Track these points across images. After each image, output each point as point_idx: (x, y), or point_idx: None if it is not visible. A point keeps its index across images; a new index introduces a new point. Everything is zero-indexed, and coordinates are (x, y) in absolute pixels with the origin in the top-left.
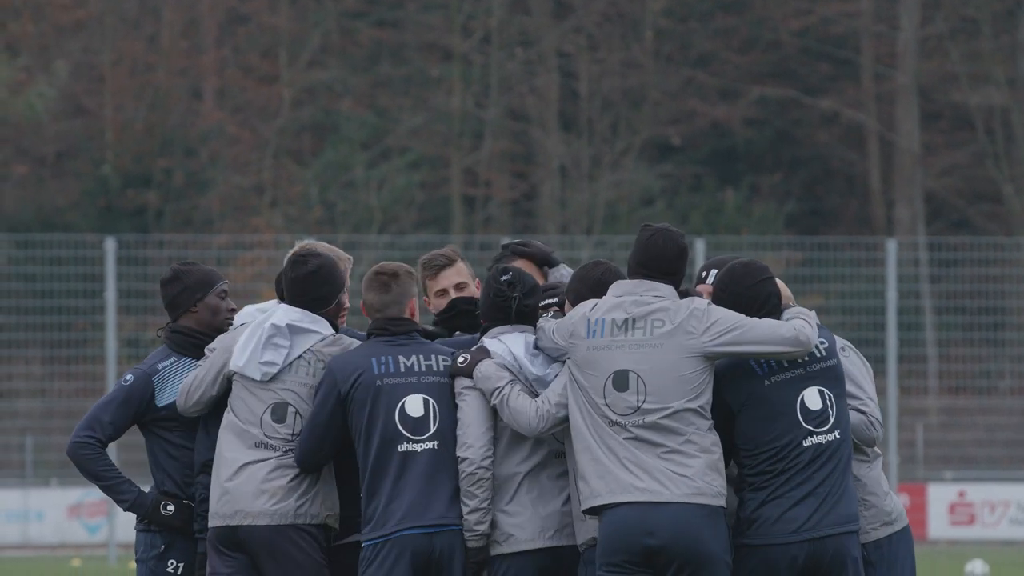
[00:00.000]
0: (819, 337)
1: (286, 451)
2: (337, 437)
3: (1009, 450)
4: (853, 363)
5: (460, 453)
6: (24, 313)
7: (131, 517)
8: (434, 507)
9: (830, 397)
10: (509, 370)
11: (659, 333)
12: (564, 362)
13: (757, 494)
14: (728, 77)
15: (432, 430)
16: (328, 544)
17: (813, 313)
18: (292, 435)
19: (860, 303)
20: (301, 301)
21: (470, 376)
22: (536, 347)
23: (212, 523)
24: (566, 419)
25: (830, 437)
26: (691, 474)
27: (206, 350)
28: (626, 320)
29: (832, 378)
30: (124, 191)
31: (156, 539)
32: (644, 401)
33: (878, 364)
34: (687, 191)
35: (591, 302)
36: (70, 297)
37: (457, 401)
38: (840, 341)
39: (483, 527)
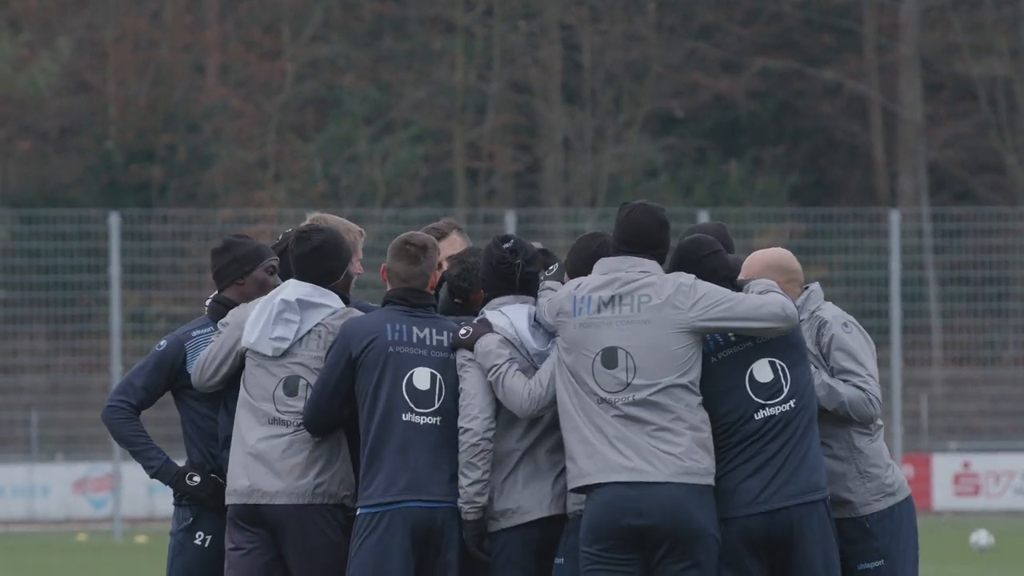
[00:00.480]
0: None
1: (299, 426)
2: (345, 400)
3: (1013, 420)
4: (855, 339)
5: (464, 424)
6: (29, 289)
7: (137, 492)
8: (438, 482)
9: (782, 367)
10: (512, 344)
11: (646, 308)
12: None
13: None
14: (731, 49)
15: (436, 406)
16: (344, 520)
17: (775, 284)
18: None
19: (864, 274)
20: (309, 276)
21: (471, 349)
22: (536, 320)
23: (230, 500)
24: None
25: (784, 408)
26: (679, 452)
27: (219, 324)
28: (613, 296)
29: (786, 347)
30: (128, 167)
31: (185, 512)
32: (634, 377)
33: (882, 335)
34: (690, 164)
35: (577, 280)
36: (74, 272)
37: (460, 372)
38: (843, 316)
39: (483, 499)
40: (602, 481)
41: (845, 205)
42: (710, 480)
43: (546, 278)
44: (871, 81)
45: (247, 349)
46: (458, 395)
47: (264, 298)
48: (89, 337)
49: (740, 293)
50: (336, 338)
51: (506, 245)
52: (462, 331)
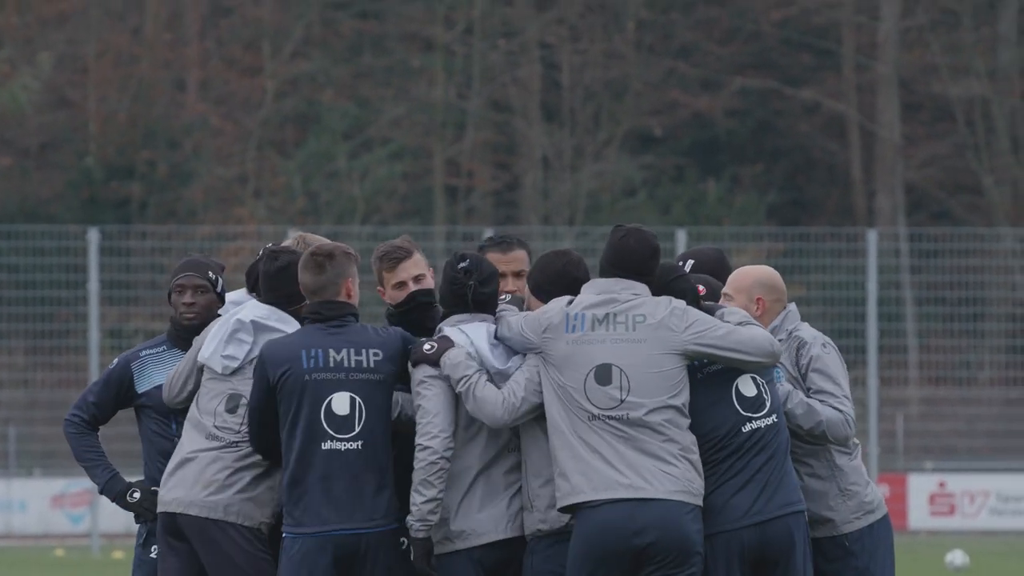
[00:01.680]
0: None
1: (232, 442)
2: (275, 422)
3: (989, 440)
4: (832, 360)
5: (423, 442)
6: (7, 304)
7: (114, 508)
8: (361, 508)
9: (763, 383)
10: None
11: (641, 328)
12: (525, 355)
13: None
14: (710, 68)
15: (357, 430)
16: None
17: (748, 315)
18: (240, 426)
19: (841, 294)
20: (271, 296)
21: (436, 364)
22: (496, 337)
23: (159, 508)
24: (531, 412)
25: (768, 421)
26: (675, 472)
27: (195, 341)
28: (607, 315)
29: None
30: (107, 182)
31: (141, 528)
32: (628, 395)
33: (859, 354)
34: (669, 182)
35: (567, 297)
36: (53, 288)
37: (418, 389)
38: (821, 336)
39: (435, 518)
40: (597, 499)
41: (823, 224)
42: (700, 502)
43: (506, 301)
44: (849, 100)
45: (203, 365)
46: (379, 415)
47: (224, 316)
48: (67, 353)
49: (728, 323)
50: (255, 363)
51: (461, 264)
52: (426, 346)
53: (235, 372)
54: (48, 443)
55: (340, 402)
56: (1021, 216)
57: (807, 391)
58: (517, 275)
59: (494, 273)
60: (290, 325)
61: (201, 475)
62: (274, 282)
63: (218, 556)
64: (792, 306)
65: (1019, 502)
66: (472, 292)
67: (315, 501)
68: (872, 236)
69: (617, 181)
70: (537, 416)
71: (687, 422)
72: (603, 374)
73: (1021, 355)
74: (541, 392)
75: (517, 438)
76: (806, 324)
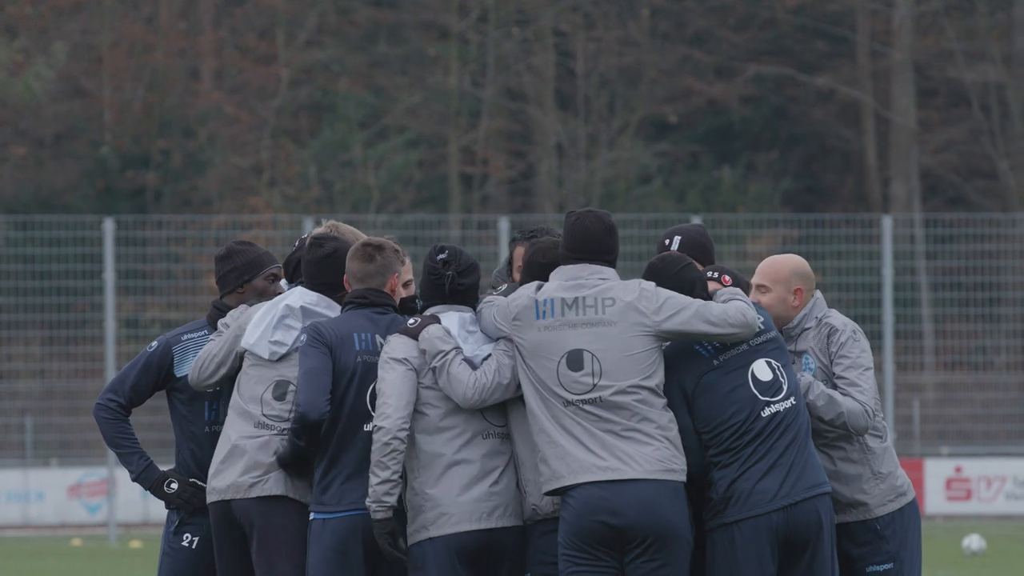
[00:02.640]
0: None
1: (282, 430)
2: (330, 381)
3: (1005, 425)
4: (861, 349)
5: (377, 422)
6: (23, 294)
7: (131, 497)
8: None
9: (778, 367)
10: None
11: (611, 311)
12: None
13: (726, 471)
14: (724, 55)
15: None
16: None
17: (741, 292)
18: (288, 412)
19: (856, 280)
20: (316, 284)
21: (416, 337)
22: (472, 327)
23: (209, 498)
24: (501, 396)
25: (787, 404)
26: (651, 452)
27: (220, 325)
28: (576, 299)
29: (775, 349)
30: (123, 172)
31: (173, 514)
32: (600, 379)
33: (874, 340)
34: (684, 169)
35: (535, 284)
36: (69, 278)
37: (380, 371)
38: (851, 324)
39: (391, 499)
40: (575, 483)
41: (838, 210)
42: (683, 478)
43: (498, 292)
44: (864, 87)
45: (245, 351)
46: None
47: (270, 301)
48: (83, 343)
49: (699, 300)
50: (308, 335)
51: (440, 256)
52: (410, 321)
53: (282, 358)
54: (65, 433)
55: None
56: None
57: (834, 376)
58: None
59: (474, 265)
60: (337, 312)
61: (254, 461)
62: (319, 268)
63: (272, 529)
64: (818, 293)
65: None
66: (450, 282)
67: (351, 481)
68: (887, 222)
69: (632, 168)
70: (521, 402)
71: (663, 402)
72: (575, 360)
73: None
74: (511, 376)
75: (495, 424)
76: (835, 311)
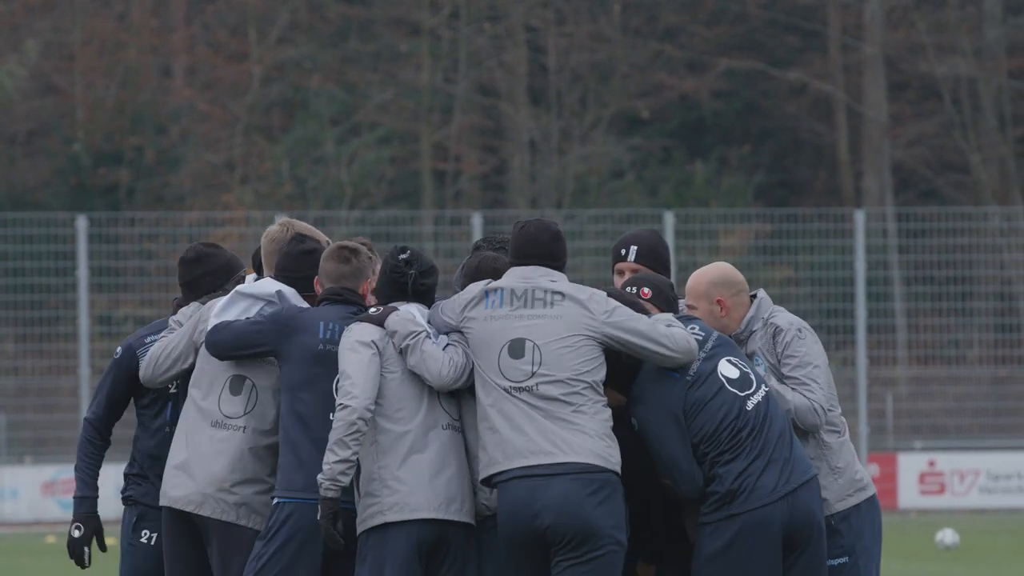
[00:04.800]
0: (688, 324)
1: (240, 427)
2: (250, 344)
3: (978, 419)
4: (807, 346)
5: (343, 400)
6: None
7: (106, 495)
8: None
9: (739, 362)
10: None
11: (559, 307)
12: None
13: (731, 466)
14: (696, 49)
15: None
16: None
17: (671, 317)
18: (246, 407)
19: (829, 274)
20: (289, 276)
21: (382, 324)
22: (429, 321)
23: (164, 502)
24: (467, 381)
25: (762, 392)
26: (586, 440)
27: (171, 323)
28: (526, 291)
29: (729, 348)
30: (95, 169)
31: (130, 510)
32: (539, 368)
33: (847, 335)
34: (656, 164)
35: (486, 280)
36: (42, 275)
37: (344, 354)
38: (797, 322)
39: (345, 480)
40: (508, 468)
41: (810, 205)
42: (618, 469)
43: None
44: (836, 81)
45: (201, 344)
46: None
47: (235, 290)
48: (57, 340)
49: (651, 317)
50: (272, 312)
51: (401, 256)
52: (372, 310)
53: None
54: (39, 430)
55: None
56: (1008, 194)
57: (780, 376)
58: None
59: (434, 267)
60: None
61: (210, 469)
62: (296, 263)
63: (229, 557)
64: (762, 293)
65: (1009, 480)
66: (412, 282)
67: (315, 468)
68: (859, 216)
69: (604, 164)
70: (472, 396)
71: (603, 400)
72: (516, 348)
73: (1009, 333)
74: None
75: (452, 417)
76: (782, 310)
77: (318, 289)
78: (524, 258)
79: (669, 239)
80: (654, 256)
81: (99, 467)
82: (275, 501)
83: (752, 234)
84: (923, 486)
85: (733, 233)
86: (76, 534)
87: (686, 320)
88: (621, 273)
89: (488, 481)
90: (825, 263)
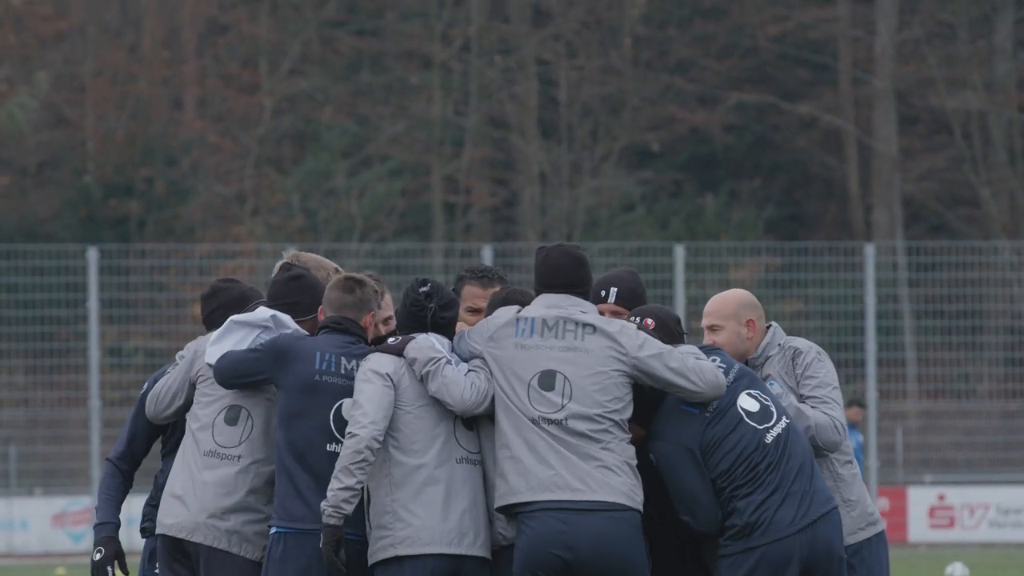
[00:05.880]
0: (710, 355)
1: (234, 456)
2: (258, 382)
3: (988, 453)
4: (826, 368)
5: (352, 429)
6: (7, 323)
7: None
8: (354, 515)
9: (759, 394)
10: None
11: (590, 339)
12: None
13: (750, 499)
14: (706, 83)
15: None
16: None
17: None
18: (241, 437)
19: (839, 308)
20: (278, 303)
21: (401, 354)
22: (450, 351)
23: (159, 530)
24: (488, 408)
25: (783, 424)
26: (613, 478)
27: (176, 357)
28: (557, 321)
29: (749, 380)
30: (106, 201)
31: (148, 543)
32: (569, 402)
33: (857, 368)
34: (667, 197)
35: (515, 307)
36: (53, 307)
37: (358, 384)
38: (815, 347)
39: (349, 508)
40: (531, 500)
41: (820, 238)
42: (641, 508)
43: None
44: (846, 115)
45: (197, 377)
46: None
47: (230, 319)
48: (67, 371)
49: (679, 349)
50: (270, 341)
51: (422, 289)
52: (391, 340)
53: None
54: (49, 462)
55: (348, 407)
56: (1018, 228)
57: (802, 398)
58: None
59: (455, 301)
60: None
61: (203, 497)
62: (284, 289)
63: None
64: (775, 324)
65: (1019, 514)
66: (432, 315)
67: (312, 499)
68: (870, 250)
69: (615, 196)
70: (493, 423)
71: (628, 437)
72: (547, 380)
73: (1019, 367)
74: (493, 390)
75: (468, 451)
76: (797, 337)
77: (320, 317)
78: (551, 287)
79: (679, 272)
80: (633, 297)
81: (120, 499)
82: (272, 531)
83: (762, 267)
84: (933, 520)
85: (743, 266)
86: (97, 557)
87: (708, 351)
88: (602, 315)
89: (507, 510)
90: (835, 296)
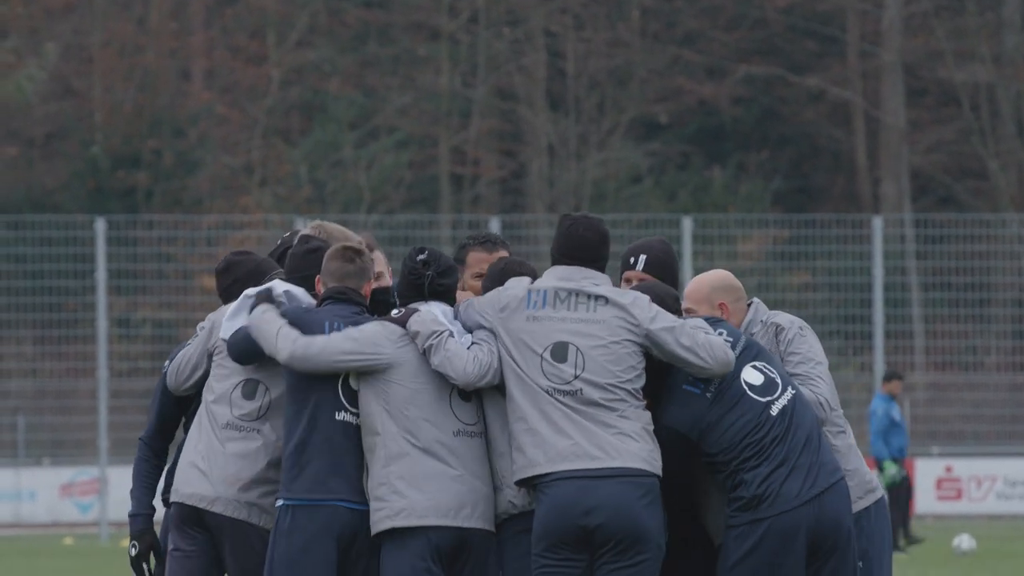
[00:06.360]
0: (716, 329)
1: (253, 430)
2: (258, 348)
3: (995, 425)
4: (811, 344)
5: (314, 341)
6: (15, 294)
7: (123, 496)
8: (363, 484)
9: (764, 366)
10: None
11: (602, 311)
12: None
13: (757, 471)
14: (715, 55)
15: None
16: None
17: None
18: (259, 411)
19: (847, 280)
20: (295, 276)
21: (403, 326)
22: (453, 320)
23: (175, 498)
24: (491, 380)
25: (788, 395)
26: (630, 443)
27: (197, 328)
28: (570, 293)
29: (755, 351)
30: (114, 172)
31: (167, 513)
32: (582, 372)
33: (865, 340)
34: (674, 169)
35: (527, 279)
36: (60, 278)
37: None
38: (798, 321)
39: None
40: (551, 471)
41: (828, 211)
42: (660, 472)
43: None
44: (854, 87)
45: (214, 349)
46: None
47: (244, 293)
48: (75, 342)
49: (690, 322)
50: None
51: (419, 257)
52: (394, 312)
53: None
54: (57, 432)
55: (355, 378)
56: None
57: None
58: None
59: (453, 267)
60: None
61: (224, 469)
62: (301, 263)
63: (242, 554)
64: (757, 300)
65: None
66: (429, 282)
67: (321, 469)
68: (877, 222)
69: (622, 168)
70: (499, 395)
71: (642, 404)
72: (559, 351)
73: None
74: (499, 362)
75: (466, 423)
76: (779, 312)
77: (319, 288)
78: (569, 258)
79: (687, 245)
80: (662, 266)
81: (154, 483)
82: (279, 503)
83: (770, 240)
84: (940, 492)
85: (751, 239)
86: (133, 552)
87: (714, 323)
88: (628, 281)
89: (526, 482)
90: (843, 269)
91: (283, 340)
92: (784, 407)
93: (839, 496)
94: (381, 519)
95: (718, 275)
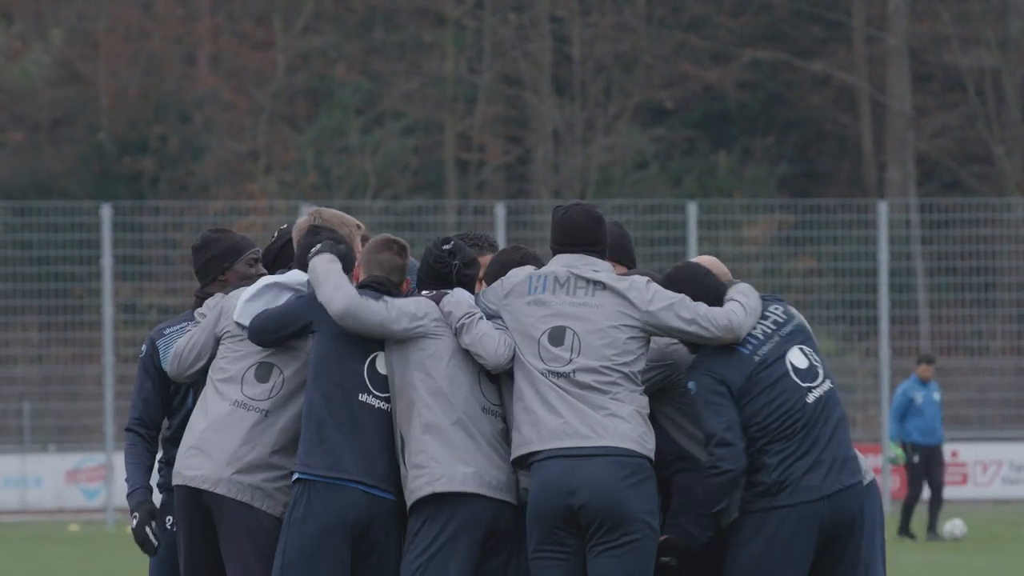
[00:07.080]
0: (771, 304)
1: (265, 412)
2: (288, 322)
3: (1001, 410)
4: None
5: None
6: (21, 280)
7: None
8: (385, 469)
9: (811, 353)
10: None
11: (600, 296)
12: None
13: (777, 458)
14: (720, 40)
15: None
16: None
17: (749, 288)
18: (271, 392)
19: (852, 265)
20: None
21: (437, 304)
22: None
23: (177, 481)
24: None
25: (826, 387)
26: (620, 424)
27: (197, 316)
28: (569, 278)
29: (804, 337)
30: (119, 157)
31: (165, 496)
32: (578, 356)
33: (870, 325)
34: (680, 154)
35: (530, 266)
36: (66, 264)
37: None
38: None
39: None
40: (541, 448)
41: (834, 196)
42: (652, 455)
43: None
44: (860, 72)
45: (223, 332)
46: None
47: (262, 280)
48: (81, 328)
49: (686, 297)
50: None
51: (445, 246)
52: (424, 292)
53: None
54: (63, 418)
55: (383, 361)
56: None
57: None
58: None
59: (475, 259)
60: None
61: (228, 449)
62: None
63: (239, 537)
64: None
65: None
66: (456, 271)
67: (339, 448)
68: (883, 207)
69: (628, 154)
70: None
71: (639, 389)
72: (556, 335)
73: None
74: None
75: (492, 403)
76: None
77: (357, 275)
78: (567, 245)
79: (692, 230)
80: (619, 247)
81: (148, 463)
82: (295, 476)
83: (775, 225)
84: (946, 477)
85: (756, 224)
86: (134, 523)
87: (769, 300)
88: None
89: (521, 461)
90: (848, 254)
91: (342, 292)
92: (820, 397)
93: (858, 496)
94: (421, 485)
95: (705, 260)
